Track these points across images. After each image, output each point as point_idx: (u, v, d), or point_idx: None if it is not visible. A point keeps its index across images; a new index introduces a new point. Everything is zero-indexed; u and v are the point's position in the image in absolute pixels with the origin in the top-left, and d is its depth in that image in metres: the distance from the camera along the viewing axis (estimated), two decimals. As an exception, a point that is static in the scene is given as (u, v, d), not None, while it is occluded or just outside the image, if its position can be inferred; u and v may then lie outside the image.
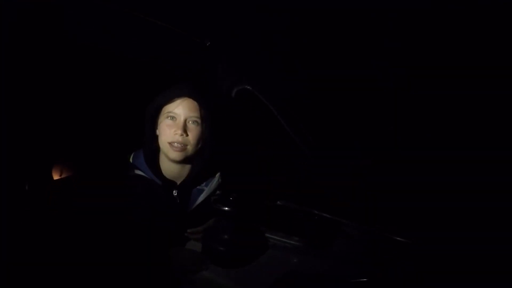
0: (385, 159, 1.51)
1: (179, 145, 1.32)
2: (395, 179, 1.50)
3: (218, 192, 1.43)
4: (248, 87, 1.42)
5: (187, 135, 1.33)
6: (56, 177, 1.85)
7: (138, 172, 1.38)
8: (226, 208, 1.16)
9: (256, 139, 1.62)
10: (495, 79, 1.44)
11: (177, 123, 1.34)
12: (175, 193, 1.38)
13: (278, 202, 1.50)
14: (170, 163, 1.38)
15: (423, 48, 1.54)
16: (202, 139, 1.38)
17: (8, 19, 1.46)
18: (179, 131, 1.32)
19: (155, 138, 1.39)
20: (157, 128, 1.39)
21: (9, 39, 1.48)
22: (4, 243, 1.43)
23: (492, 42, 1.45)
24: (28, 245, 1.47)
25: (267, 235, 1.32)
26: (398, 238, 1.31)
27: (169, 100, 1.36)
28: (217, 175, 1.45)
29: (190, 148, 1.35)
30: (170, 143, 1.33)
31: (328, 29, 1.53)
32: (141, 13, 1.51)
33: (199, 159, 1.41)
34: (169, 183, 1.38)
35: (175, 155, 1.33)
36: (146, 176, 1.38)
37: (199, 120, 1.35)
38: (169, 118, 1.35)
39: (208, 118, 1.38)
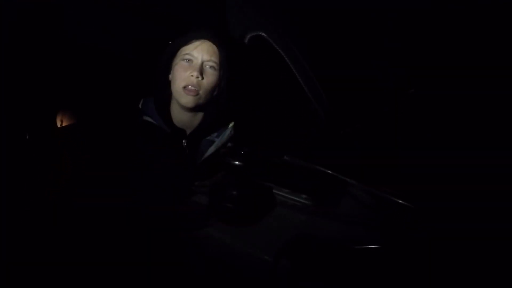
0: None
1: (192, 88, 1.24)
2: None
3: (229, 144, 1.35)
4: (263, 34, 1.32)
5: (202, 78, 1.25)
6: (58, 124, 1.80)
7: (146, 118, 1.31)
8: (236, 163, 1.08)
9: (270, 93, 1.57)
10: (495, 79, 1.41)
11: (193, 65, 1.26)
12: (184, 142, 1.31)
13: (285, 157, 1.43)
14: (181, 111, 1.30)
15: (423, 48, 1.53)
16: (218, 87, 1.28)
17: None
18: (195, 73, 1.24)
19: (168, 83, 1.30)
20: (170, 73, 1.29)
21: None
22: (4, 195, 1.39)
23: (492, 42, 1.41)
24: (30, 196, 1.42)
25: (275, 191, 1.26)
26: (407, 204, 1.26)
27: (187, 41, 1.28)
28: (230, 126, 1.38)
29: (203, 95, 1.27)
30: (184, 87, 1.25)
31: (329, 28, 1.48)
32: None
33: (212, 108, 1.32)
34: (178, 132, 1.30)
35: (187, 99, 1.25)
36: (154, 122, 1.29)
37: (216, 66, 1.28)
38: (185, 60, 1.27)
39: (226, 64, 1.30)
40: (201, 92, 1.26)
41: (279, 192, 1.25)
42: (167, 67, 1.32)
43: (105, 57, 1.81)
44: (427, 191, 1.28)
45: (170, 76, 1.30)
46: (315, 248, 1.01)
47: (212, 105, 1.34)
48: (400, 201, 1.27)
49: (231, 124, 1.38)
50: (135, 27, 1.83)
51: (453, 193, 1.26)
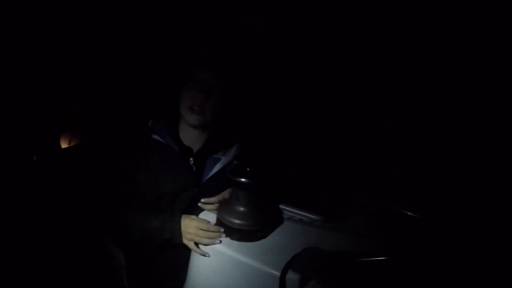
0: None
1: (198, 108, 1.27)
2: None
3: (235, 162, 1.36)
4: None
5: (208, 99, 1.27)
6: (64, 145, 1.82)
7: (155, 137, 1.33)
8: (243, 180, 1.08)
9: (275, 110, 1.59)
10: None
11: (200, 87, 1.28)
12: (191, 160, 1.32)
13: (293, 173, 1.44)
14: (189, 129, 1.33)
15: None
16: (223, 106, 1.32)
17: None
18: (200, 94, 1.26)
19: (176, 103, 1.33)
20: (178, 93, 1.33)
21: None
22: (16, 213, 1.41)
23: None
24: (39, 214, 1.43)
25: (282, 207, 1.26)
26: (415, 215, 1.26)
27: (194, 64, 1.31)
28: (235, 145, 1.40)
29: (209, 114, 1.29)
30: (190, 107, 1.28)
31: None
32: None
33: (217, 130, 1.36)
34: (186, 150, 1.33)
35: (194, 118, 1.28)
36: (163, 141, 1.32)
37: (222, 88, 1.30)
38: (192, 82, 1.29)
39: (231, 85, 1.32)
40: (207, 112, 1.29)
41: (286, 208, 1.25)
42: (176, 87, 1.34)
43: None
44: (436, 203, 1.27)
45: (179, 95, 1.33)
46: (322, 261, 1.00)
47: (219, 124, 1.37)
48: (409, 213, 1.26)
49: (236, 144, 1.40)
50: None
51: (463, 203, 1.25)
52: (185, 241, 1.15)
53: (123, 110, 1.90)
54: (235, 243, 1.09)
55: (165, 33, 1.87)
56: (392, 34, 1.59)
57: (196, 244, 1.13)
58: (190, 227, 1.14)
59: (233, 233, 1.10)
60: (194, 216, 1.19)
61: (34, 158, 1.64)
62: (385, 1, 1.58)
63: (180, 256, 1.24)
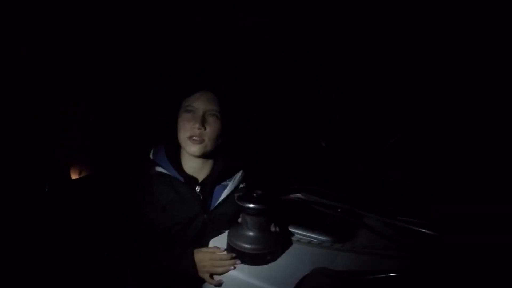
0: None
1: (197, 138, 1.26)
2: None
3: (241, 185, 1.38)
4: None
5: (205, 129, 1.27)
6: (74, 176, 1.83)
7: (159, 169, 1.32)
8: (250, 205, 1.10)
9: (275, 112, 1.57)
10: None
11: (195, 116, 1.27)
12: (197, 189, 1.33)
13: (301, 195, 1.45)
14: (191, 158, 1.32)
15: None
16: (223, 134, 1.32)
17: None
18: (197, 125, 1.26)
19: (175, 132, 1.32)
20: (177, 124, 1.32)
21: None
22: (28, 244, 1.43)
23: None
24: (49, 246, 1.45)
25: (291, 230, 1.27)
26: (424, 231, 1.25)
27: (189, 93, 1.30)
28: (241, 171, 1.41)
29: (208, 143, 1.28)
30: (188, 137, 1.27)
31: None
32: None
33: (220, 157, 1.36)
34: (191, 180, 1.33)
35: (193, 149, 1.27)
36: (168, 173, 1.31)
37: (218, 114, 1.29)
38: (187, 111, 1.29)
39: (229, 112, 1.31)
40: (206, 141, 1.28)
41: (295, 230, 1.26)
42: (173, 117, 1.34)
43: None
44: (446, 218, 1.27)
45: (177, 125, 1.32)
46: (331, 281, 1.02)
47: (220, 153, 1.37)
48: (419, 229, 1.26)
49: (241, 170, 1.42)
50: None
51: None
52: (200, 275, 1.16)
53: (122, 110, 1.94)
54: (246, 267, 1.11)
55: (165, 33, 1.88)
56: (392, 34, 1.59)
57: (211, 275, 1.14)
58: (205, 260, 1.15)
59: (243, 257, 1.11)
60: (205, 248, 1.19)
61: (46, 189, 1.65)
62: (385, 1, 1.59)
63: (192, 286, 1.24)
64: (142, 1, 1.80)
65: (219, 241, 1.22)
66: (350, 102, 1.62)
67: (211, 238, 1.25)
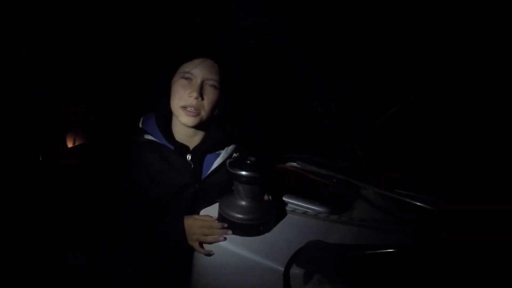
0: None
1: (192, 109, 1.18)
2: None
3: (235, 155, 1.31)
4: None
5: (202, 99, 1.19)
6: (69, 145, 1.82)
7: (148, 137, 1.25)
8: (242, 173, 1.03)
9: (273, 98, 1.55)
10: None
11: (193, 84, 1.19)
12: (188, 157, 1.26)
13: (296, 164, 1.39)
14: (183, 127, 1.24)
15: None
16: (220, 106, 1.24)
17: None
18: (195, 94, 1.17)
19: (168, 99, 1.24)
20: (170, 89, 1.24)
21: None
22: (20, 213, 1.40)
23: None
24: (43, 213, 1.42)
25: (285, 200, 1.21)
26: (422, 205, 1.21)
27: (187, 58, 1.21)
28: (235, 143, 1.33)
29: (204, 114, 1.21)
30: (182, 107, 1.19)
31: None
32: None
33: (215, 128, 1.28)
34: (181, 148, 1.26)
35: (187, 120, 1.19)
36: (157, 141, 1.24)
37: (217, 84, 1.21)
38: (184, 78, 1.20)
39: (229, 83, 1.23)
40: (202, 112, 1.20)
41: (289, 200, 1.20)
42: (167, 83, 1.25)
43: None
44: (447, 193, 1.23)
45: (170, 91, 1.24)
46: (327, 255, 0.96)
47: (216, 124, 1.30)
48: (418, 204, 1.22)
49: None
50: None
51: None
52: (190, 243, 1.09)
53: (122, 110, 1.88)
54: (238, 238, 1.04)
55: (165, 33, 1.85)
56: (392, 34, 1.56)
57: (200, 243, 1.08)
58: (194, 227, 1.09)
59: (235, 228, 1.05)
60: (196, 216, 1.13)
61: (40, 158, 1.63)
62: (385, 1, 1.56)
63: (182, 256, 1.17)
64: (142, 1, 1.75)
65: (211, 211, 1.16)
66: (350, 102, 1.58)
67: (203, 208, 1.18)
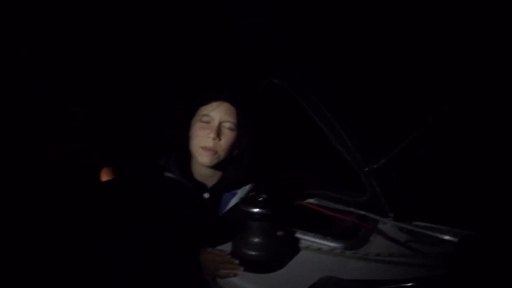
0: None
1: (211, 149, 1.23)
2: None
3: (251, 194, 1.34)
4: (275, 81, 1.34)
5: (220, 139, 1.24)
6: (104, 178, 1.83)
7: (168, 174, 1.29)
8: (255, 210, 1.03)
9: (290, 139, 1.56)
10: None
11: (211, 126, 1.24)
12: (206, 195, 1.30)
13: (313, 200, 1.39)
14: (201, 167, 1.29)
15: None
16: (237, 146, 1.29)
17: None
18: (212, 135, 1.23)
19: (187, 139, 1.30)
20: (189, 131, 1.30)
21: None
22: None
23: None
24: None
25: (299, 236, 1.20)
26: (442, 236, 1.17)
27: (205, 102, 1.27)
28: (252, 183, 1.36)
29: (222, 154, 1.25)
30: (201, 147, 1.24)
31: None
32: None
33: (233, 168, 1.32)
34: (199, 186, 1.29)
35: (205, 159, 1.24)
36: (176, 178, 1.28)
37: (234, 126, 1.26)
38: (203, 121, 1.26)
39: (246, 124, 1.29)
40: (219, 152, 1.25)
41: (303, 237, 1.18)
42: (186, 125, 1.32)
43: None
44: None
45: (189, 132, 1.31)
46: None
47: (234, 164, 1.34)
48: (437, 235, 1.19)
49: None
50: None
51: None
52: (204, 276, 1.10)
53: (122, 110, 1.93)
54: (250, 274, 1.04)
55: (165, 33, 1.88)
56: (392, 34, 1.55)
57: (214, 278, 1.08)
58: (208, 261, 1.10)
59: (247, 264, 1.05)
60: (210, 249, 1.14)
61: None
62: (386, 1, 1.56)
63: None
64: (142, 1, 1.81)
65: (226, 248, 1.15)
66: (350, 102, 1.58)
67: (218, 245, 1.18)
